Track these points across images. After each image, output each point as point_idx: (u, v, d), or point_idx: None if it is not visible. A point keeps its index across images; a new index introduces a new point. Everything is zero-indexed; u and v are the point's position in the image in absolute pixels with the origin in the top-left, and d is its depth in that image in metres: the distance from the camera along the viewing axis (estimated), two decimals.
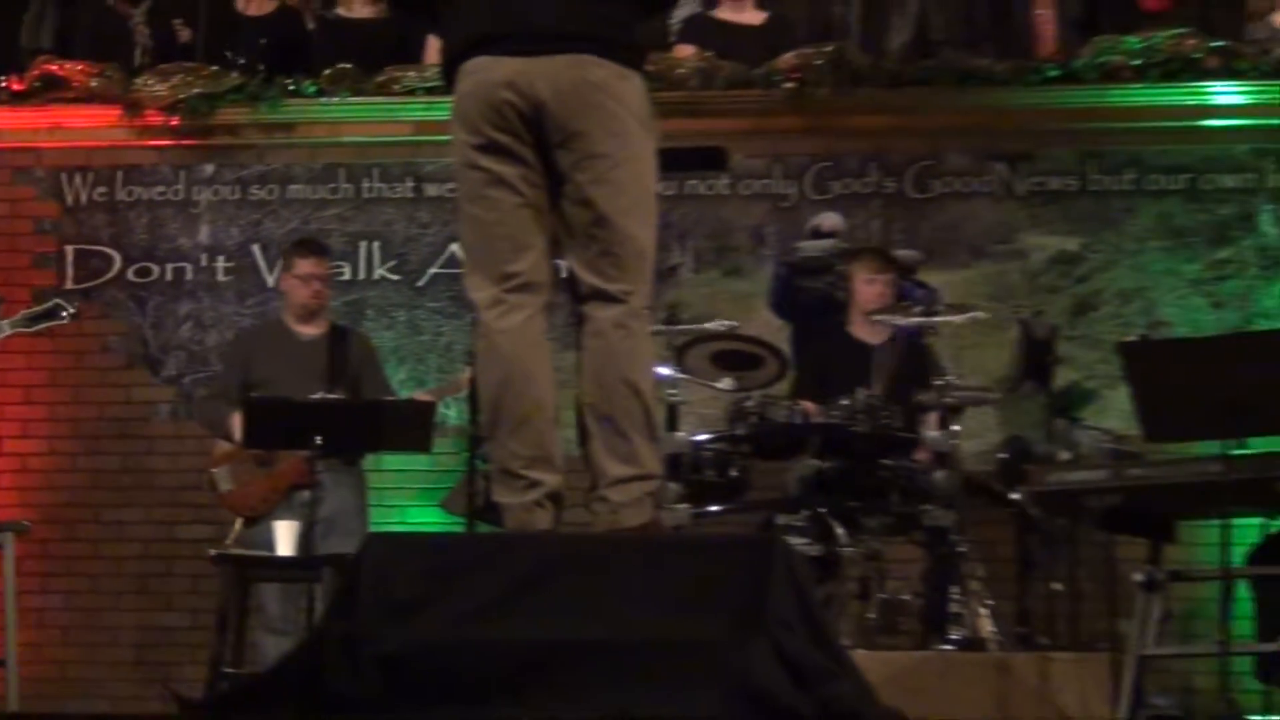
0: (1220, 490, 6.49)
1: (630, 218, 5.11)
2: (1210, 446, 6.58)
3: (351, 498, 8.60)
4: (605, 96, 5.07)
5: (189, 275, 9.85)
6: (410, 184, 9.78)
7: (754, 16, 9.99)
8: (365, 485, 8.76)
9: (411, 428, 8.28)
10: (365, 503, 8.74)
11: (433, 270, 9.70)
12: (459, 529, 8.11)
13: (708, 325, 8.00)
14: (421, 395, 8.83)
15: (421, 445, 8.36)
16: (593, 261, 5.12)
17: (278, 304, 9.27)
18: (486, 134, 5.10)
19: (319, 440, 7.77)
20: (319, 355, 8.73)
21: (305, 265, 8.81)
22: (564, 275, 5.29)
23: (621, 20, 5.18)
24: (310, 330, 8.83)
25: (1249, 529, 7.15)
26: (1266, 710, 7.24)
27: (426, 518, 9.06)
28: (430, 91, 9.41)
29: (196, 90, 9.72)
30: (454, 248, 9.34)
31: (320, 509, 8.04)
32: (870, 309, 8.31)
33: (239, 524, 8.39)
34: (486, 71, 5.09)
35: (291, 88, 9.80)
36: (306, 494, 8.10)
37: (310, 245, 9.04)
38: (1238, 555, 6.91)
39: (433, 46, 9.42)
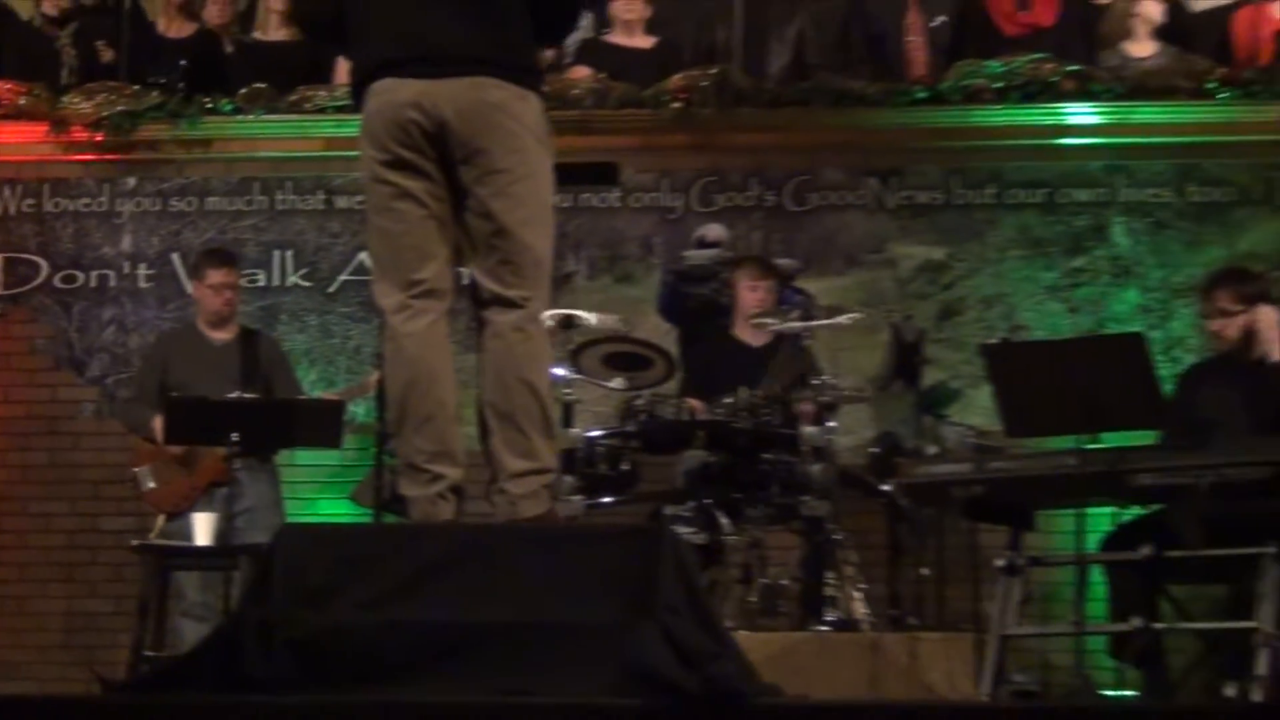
0: (1075, 482, 6.55)
1: (528, 229, 5.13)
2: (1066, 441, 6.63)
3: (268, 492, 8.59)
4: (504, 116, 5.09)
5: (112, 282, 9.81)
6: (321, 196, 9.75)
7: (643, 41, 10.02)
8: (279, 480, 8.73)
9: (322, 425, 8.36)
10: (280, 496, 8.71)
11: (342, 277, 9.68)
12: (367, 520, 8.08)
13: (594, 318, 8.01)
14: (331, 395, 8.83)
15: (331, 442, 8.43)
16: (493, 270, 5.14)
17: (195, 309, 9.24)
18: (393, 150, 5.11)
19: (235, 437, 7.82)
20: (232, 358, 8.74)
21: (216, 275, 8.81)
22: (466, 282, 5.30)
23: (520, 45, 5.19)
24: (222, 335, 8.83)
25: (1102, 518, 7.22)
26: (1118, 686, 7.29)
27: (336, 509, 9.03)
28: (340, 110, 9.43)
29: (120, 108, 9.72)
30: (362, 256, 9.32)
31: (238, 503, 8.20)
32: (752, 313, 8.33)
33: (161, 520, 8.35)
34: (393, 92, 5.10)
35: (209, 106, 9.79)
36: (225, 490, 8.22)
37: (220, 255, 9.04)
38: (1091, 542, 6.98)
39: (342, 68, 9.42)
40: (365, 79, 5.20)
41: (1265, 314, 7.34)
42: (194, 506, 8.22)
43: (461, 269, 5.31)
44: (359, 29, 5.26)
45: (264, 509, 8.40)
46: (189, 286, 9.51)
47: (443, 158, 5.11)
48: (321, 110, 9.66)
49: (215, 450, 8.22)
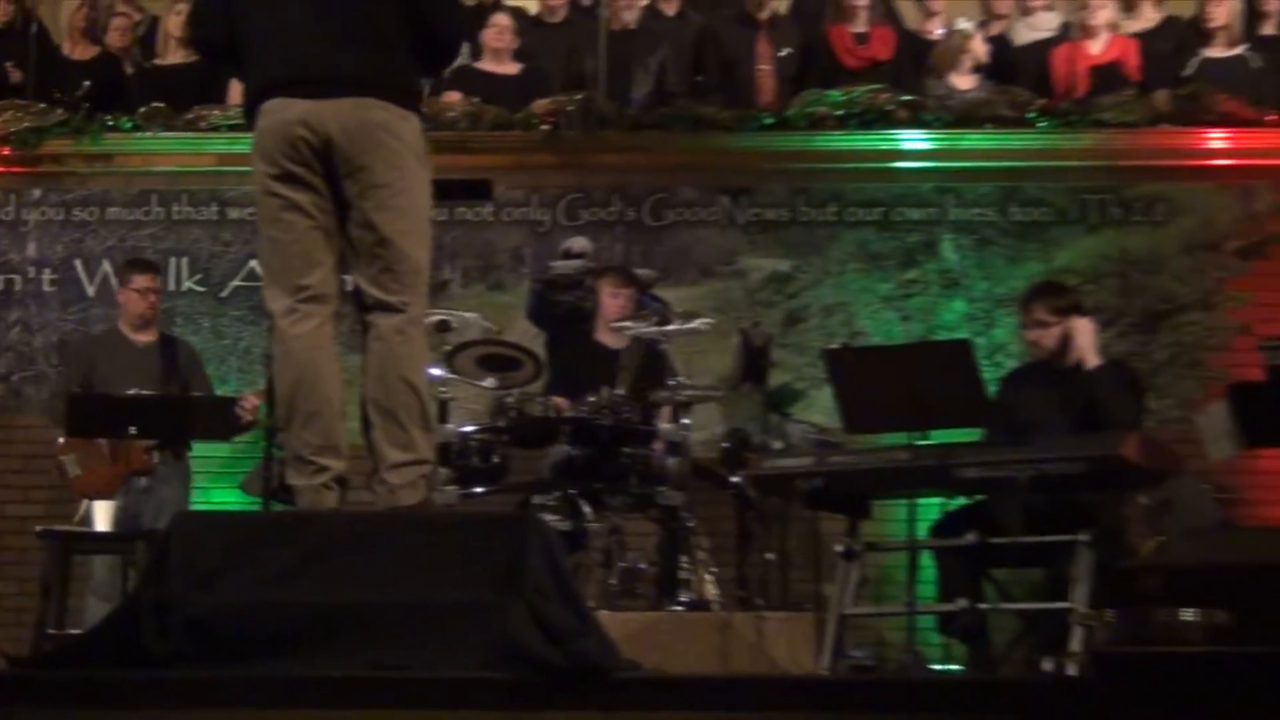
0: (907, 475, 6.60)
1: (408, 239, 5.13)
2: (899, 438, 6.68)
3: (180, 486, 8.60)
4: (387, 135, 5.09)
5: (18, 286, 9.70)
6: (214, 208, 9.68)
7: (511, 68, 10.06)
8: (190, 475, 8.73)
9: (213, 420, 8.39)
10: (189, 489, 8.71)
11: (234, 283, 9.62)
12: (256, 508, 8.01)
13: (468, 316, 7.99)
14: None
15: (223, 435, 8.49)
16: (376, 277, 5.14)
17: (97, 311, 9.34)
18: (283, 165, 5.10)
19: (134, 430, 7.83)
20: (153, 360, 8.75)
21: (141, 280, 8.84)
22: (350, 289, 5.28)
23: (401, 71, 5.20)
24: (144, 338, 8.83)
25: (931, 507, 7.27)
26: (946, 660, 7.36)
27: (227, 498, 8.94)
28: (232, 128, 9.40)
29: (26, 124, 9.66)
30: (253, 263, 9.31)
31: (154, 493, 8.33)
32: (613, 319, 8.33)
33: (84, 505, 8.26)
34: (283, 111, 5.09)
35: (110, 123, 9.74)
36: (144, 480, 8.31)
37: (145, 263, 9.09)
38: (922, 529, 7.02)
39: (235, 89, 9.44)
40: (257, 99, 5.19)
41: (1079, 324, 7.44)
42: (114, 494, 8.19)
43: (346, 276, 5.30)
44: (251, 53, 5.25)
45: (176, 501, 8.37)
46: (90, 290, 9.53)
47: (329, 172, 5.10)
48: (215, 128, 9.61)
49: (140, 441, 8.23)
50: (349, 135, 5.04)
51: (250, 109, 5.24)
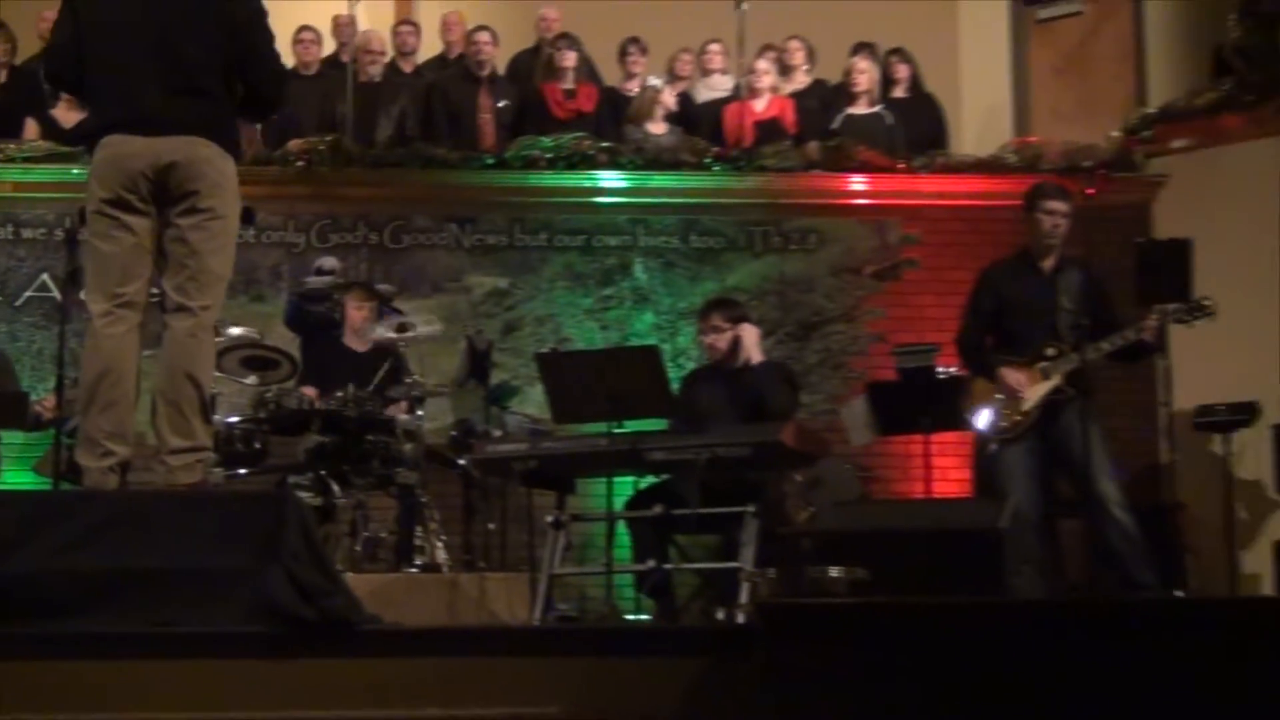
0: (606, 457, 6.64)
1: (215, 256, 5.13)
2: (599, 427, 6.71)
3: None
4: (211, 169, 5.09)
5: None
6: (10, 229, 9.32)
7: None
8: None
9: (10, 412, 8.14)
10: None
11: (27, 294, 9.27)
12: (47, 487, 7.76)
13: (233, 331, 7.86)
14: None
15: (19, 424, 8.22)
16: (181, 285, 5.09)
17: None
18: (117, 191, 5.06)
19: None
20: None
21: None
22: (156, 299, 5.21)
23: (224, 120, 5.22)
24: None
25: (625, 484, 7.31)
26: (638, 611, 7.40)
27: (21, 479, 8.63)
28: (26, 160, 9.17)
29: None
30: (44, 276, 9.15)
31: None
32: (358, 327, 8.27)
33: None
34: (122, 146, 5.07)
35: None
36: None
37: None
38: (618, 503, 7.06)
39: (31, 128, 9.38)
40: (98, 132, 5.16)
41: (746, 331, 7.54)
42: None
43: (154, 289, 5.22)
44: (98, 93, 5.25)
45: None
46: None
47: (158, 198, 5.08)
48: (11, 160, 9.25)
49: None
50: (180, 167, 5.04)
51: (91, 140, 5.20)
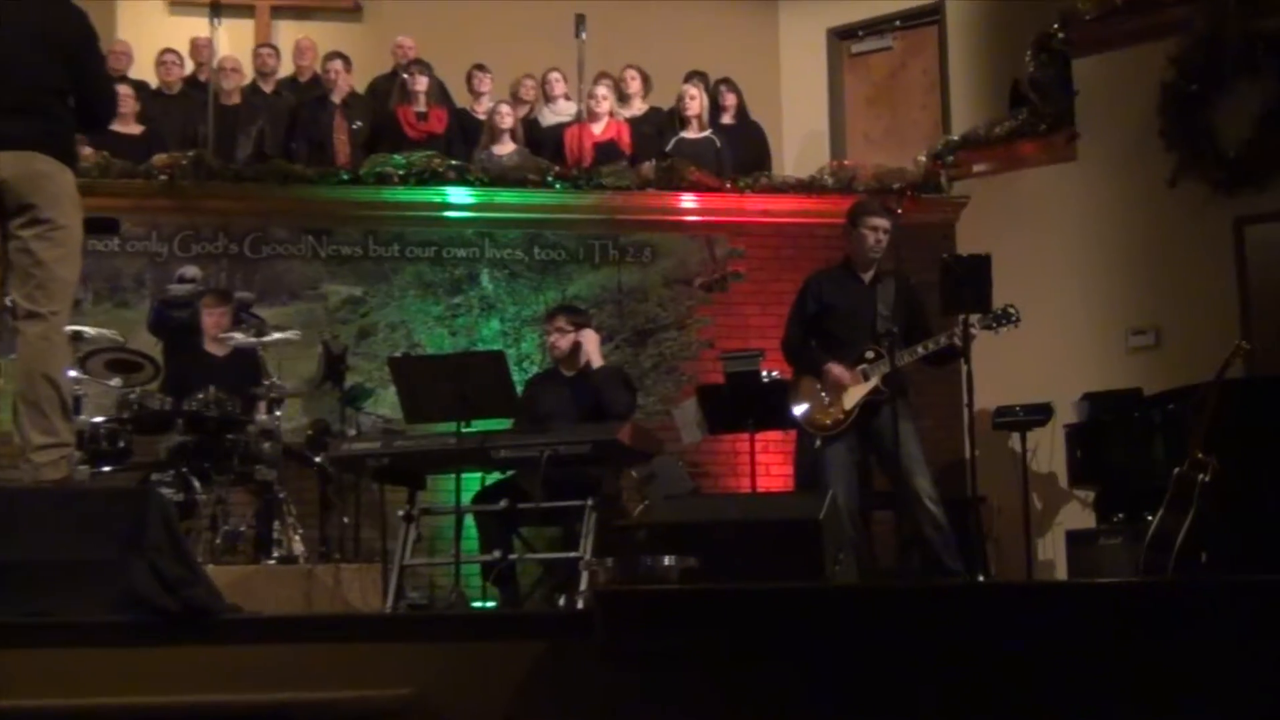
0: (454, 455, 6.60)
1: (60, 264, 5.04)
2: (448, 426, 6.67)
3: None
4: (49, 181, 5.01)
5: None
6: None
7: (136, 129, 9.81)
8: None
9: None
10: None
11: None
12: None
13: (93, 333, 7.70)
14: None
15: None
16: (29, 293, 4.99)
17: None
18: None
19: None
20: None
21: None
22: (9, 305, 5.08)
23: (62, 134, 5.14)
24: None
25: (473, 480, 7.29)
26: (484, 599, 7.37)
27: None
28: None
29: None
30: None
31: None
32: (213, 332, 8.14)
33: None
34: None
35: None
36: None
37: None
38: (466, 497, 7.02)
39: None
40: None
41: (588, 335, 7.57)
42: None
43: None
44: None
45: None
46: None
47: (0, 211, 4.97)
48: None
49: None
50: (19, 180, 4.94)
51: None
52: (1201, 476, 6.65)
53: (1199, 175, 8.88)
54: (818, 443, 6.95)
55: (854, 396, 6.91)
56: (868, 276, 7.15)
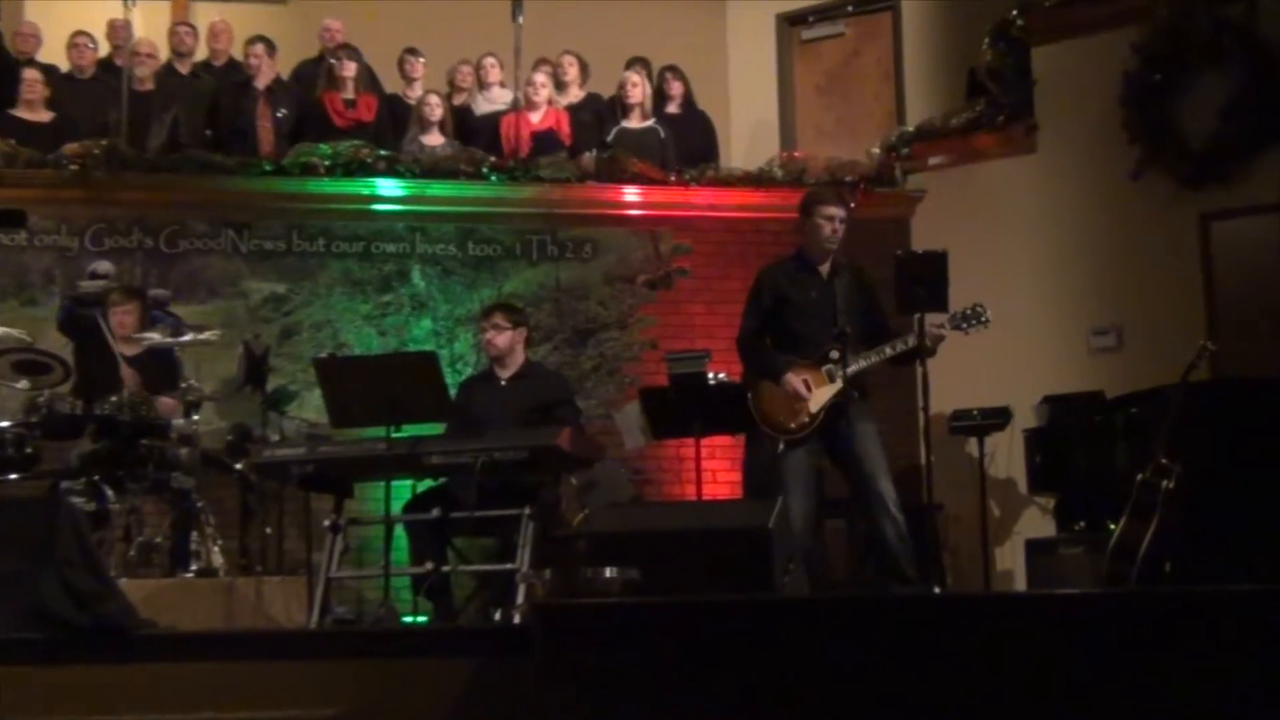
0: (384, 461, 6.57)
1: None
2: (377, 431, 6.64)
3: None
4: None
5: None
6: None
7: (44, 116, 9.71)
8: None
9: None
10: None
11: None
12: None
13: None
14: None
15: None
16: None
17: None
18: None
19: None
20: None
21: None
22: None
23: None
24: None
25: (404, 488, 7.26)
26: (416, 613, 7.33)
27: None
28: None
29: None
30: None
31: None
32: (122, 331, 8.07)
33: None
34: None
35: None
36: None
37: None
38: (397, 506, 6.99)
39: None
40: None
41: (526, 335, 7.58)
42: None
43: None
44: None
45: None
46: None
47: None
48: None
49: None
50: None
51: None
52: (1166, 483, 6.71)
53: (1163, 169, 8.96)
54: (781, 446, 6.93)
55: (820, 399, 6.90)
56: (824, 269, 7.15)
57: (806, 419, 6.90)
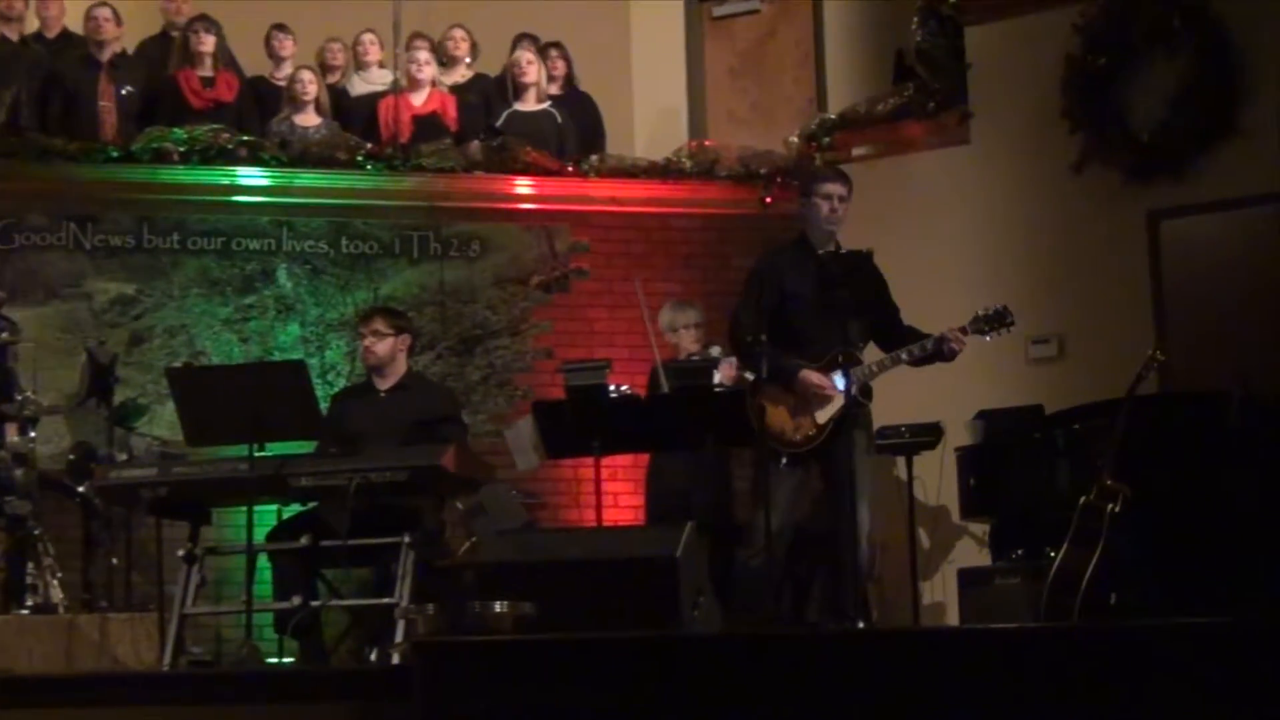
0: (246, 484, 6.54)
1: None
2: (239, 450, 6.61)
3: None
4: None
5: None
6: None
7: None
8: None
9: None
10: None
11: None
12: None
13: None
14: None
15: None
16: None
17: None
18: None
19: None
20: None
21: None
22: None
23: None
24: None
25: (269, 513, 7.22)
26: (281, 653, 7.30)
27: None
28: None
29: None
30: None
31: None
32: None
33: None
34: None
35: None
36: None
37: None
38: (260, 534, 6.94)
39: None
40: None
41: (407, 342, 7.58)
42: None
43: None
44: None
45: None
46: None
47: None
48: None
49: None
50: None
51: None
52: (1111, 506, 6.80)
53: (1108, 161, 9.08)
54: (783, 461, 6.88)
55: (830, 409, 6.87)
56: (827, 255, 7.06)
57: (813, 431, 6.86)
